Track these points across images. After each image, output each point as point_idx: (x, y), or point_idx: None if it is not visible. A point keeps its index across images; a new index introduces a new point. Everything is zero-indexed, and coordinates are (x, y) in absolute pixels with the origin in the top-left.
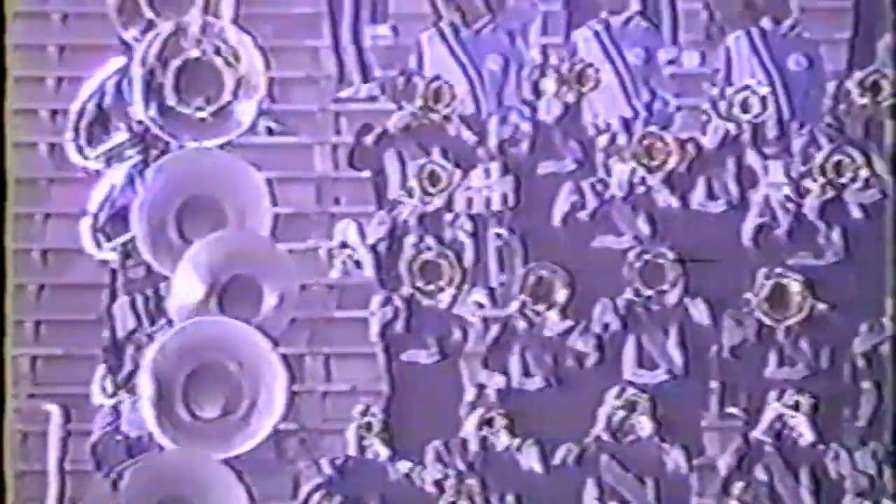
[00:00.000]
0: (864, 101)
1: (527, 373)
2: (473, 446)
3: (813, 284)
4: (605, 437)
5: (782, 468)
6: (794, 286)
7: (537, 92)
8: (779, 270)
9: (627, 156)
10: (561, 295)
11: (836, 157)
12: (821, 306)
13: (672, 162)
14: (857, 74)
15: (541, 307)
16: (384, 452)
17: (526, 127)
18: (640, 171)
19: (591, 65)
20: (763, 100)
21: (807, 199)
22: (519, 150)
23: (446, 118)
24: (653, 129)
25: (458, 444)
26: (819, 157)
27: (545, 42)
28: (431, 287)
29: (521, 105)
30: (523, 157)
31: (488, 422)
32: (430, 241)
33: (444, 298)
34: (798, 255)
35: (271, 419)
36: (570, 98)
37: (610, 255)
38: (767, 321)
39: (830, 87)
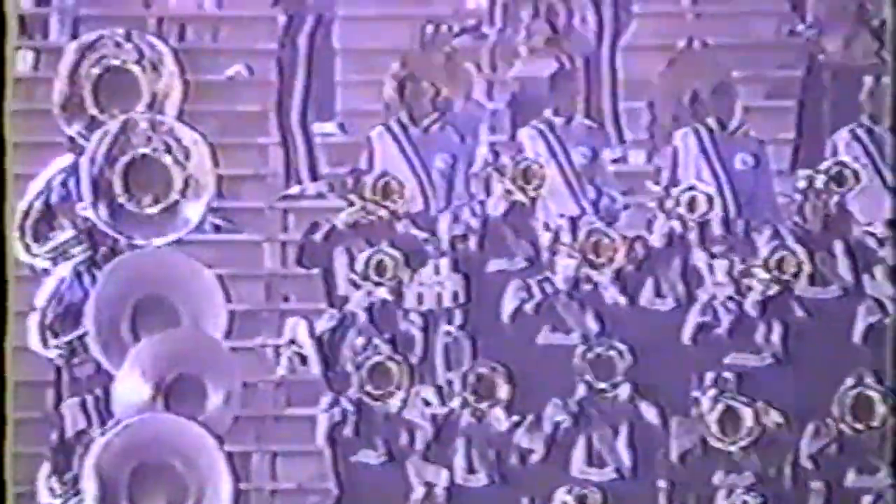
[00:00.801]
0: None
1: (471, 469)
2: None
3: (757, 407)
4: None
5: None
6: (746, 412)
7: (487, 189)
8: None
9: (574, 252)
10: (503, 391)
11: (778, 255)
12: (771, 421)
13: (618, 259)
14: (824, 165)
15: (484, 405)
16: None
17: (475, 224)
18: (586, 269)
19: (536, 162)
20: (709, 199)
21: (748, 297)
22: (468, 247)
23: (395, 214)
24: (598, 225)
25: None
26: (763, 253)
27: (493, 140)
28: (381, 391)
29: (471, 202)
30: (473, 254)
31: None
32: (379, 342)
33: (394, 402)
34: (735, 355)
35: None
36: (519, 196)
37: (558, 352)
38: (717, 444)
39: (799, 183)
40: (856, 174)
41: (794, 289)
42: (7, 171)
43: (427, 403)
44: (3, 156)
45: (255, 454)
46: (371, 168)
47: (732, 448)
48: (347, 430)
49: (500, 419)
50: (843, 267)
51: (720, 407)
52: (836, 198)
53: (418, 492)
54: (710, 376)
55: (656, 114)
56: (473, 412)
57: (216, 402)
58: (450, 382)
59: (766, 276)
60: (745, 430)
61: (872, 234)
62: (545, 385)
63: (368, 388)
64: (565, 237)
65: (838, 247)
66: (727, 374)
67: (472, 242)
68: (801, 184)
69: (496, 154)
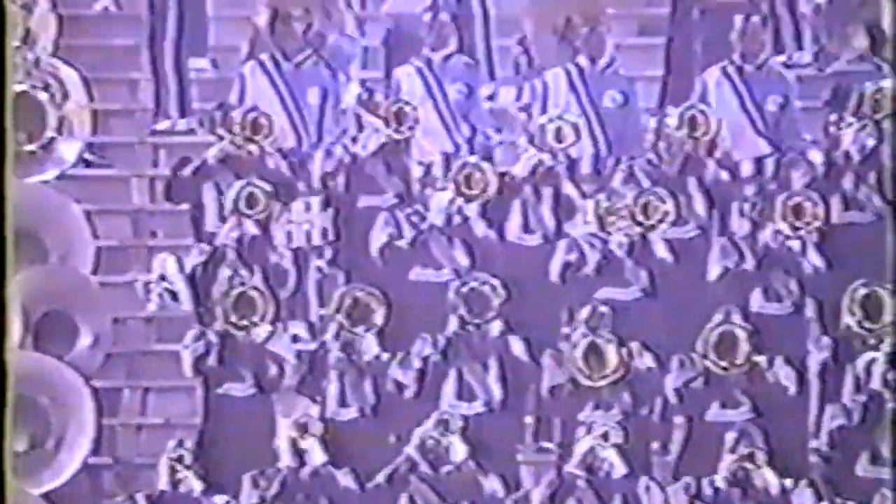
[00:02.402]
0: (682, 134)
1: (343, 402)
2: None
3: (624, 342)
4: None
5: (594, 502)
6: (610, 348)
7: (359, 126)
8: (590, 329)
9: (445, 185)
10: (379, 317)
11: (644, 199)
12: (637, 362)
13: (491, 192)
14: (675, 110)
15: (359, 329)
16: (199, 486)
17: (347, 160)
18: (459, 202)
19: (409, 103)
20: (576, 128)
21: (613, 237)
22: (338, 184)
23: (264, 150)
24: (472, 160)
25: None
26: (628, 198)
27: (365, 77)
28: (245, 322)
29: (342, 139)
30: (343, 191)
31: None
32: (245, 273)
33: (260, 333)
34: (604, 289)
35: (81, 453)
36: (392, 135)
37: (431, 287)
38: (584, 381)
39: (650, 122)
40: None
41: (655, 231)
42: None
43: (296, 339)
44: (3, 155)
45: (125, 390)
46: (242, 103)
47: (599, 384)
48: (213, 362)
49: (372, 348)
50: (700, 206)
51: (585, 343)
52: (691, 141)
53: (284, 425)
54: (580, 311)
55: (527, 51)
56: (344, 346)
57: (86, 341)
58: (322, 318)
59: (629, 222)
60: (610, 368)
61: (731, 171)
62: (418, 319)
63: (233, 318)
64: (438, 172)
65: (692, 185)
66: (601, 309)
67: (341, 179)
68: (652, 123)
69: (369, 91)
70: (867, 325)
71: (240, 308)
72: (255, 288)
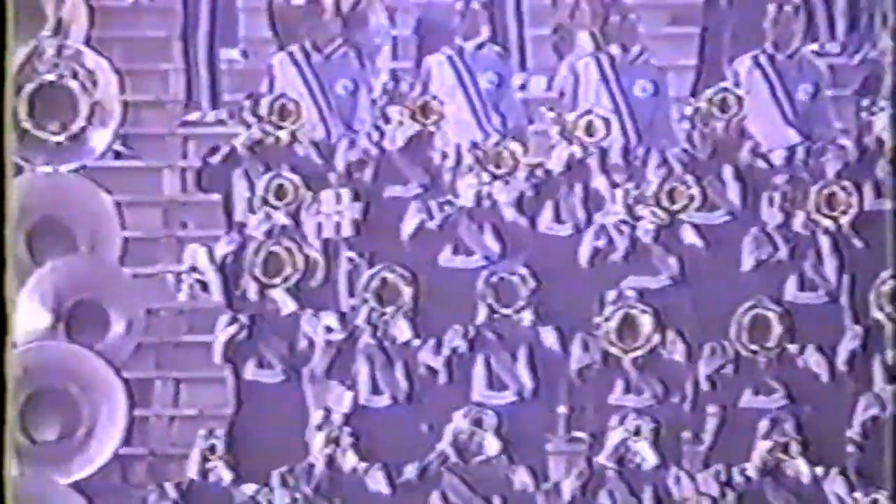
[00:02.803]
0: (713, 115)
1: (375, 389)
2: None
3: (659, 315)
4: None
5: (625, 493)
6: (645, 319)
7: (385, 118)
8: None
9: (477, 168)
10: (407, 295)
11: (669, 185)
12: (668, 335)
13: (520, 177)
14: (708, 92)
15: (388, 310)
16: (228, 477)
17: (374, 151)
18: (487, 188)
19: (435, 97)
20: (607, 123)
21: (641, 224)
22: (365, 175)
23: (294, 137)
24: (504, 152)
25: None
26: (654, 185)
27: (395, 66)
28: (275, 281)
29: (366, 131)
30: (370, 182)
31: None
32: (277, 247)
33: (289, 305)
34: (633, 277)
35: (112, 443)
36: (417, 128)
37: (459, 273)
38: (615, 352)
39: (682, 110)
40: (739, 100)
41: (683, 218)
42: (7, 171)
43: (330, 330)
44: (2, 154)
45: (157, 381)
46: (272, 93)
47: (631, 355)
48: (245, 348)
49: (403, 331)
50: (733, 192)
51: (619, 314)
52: (722, 123)
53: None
54: (610, 296)
55: (560, 41)
56: (375, 329)
57: (118, 330)
58: (353, 308)
59: (658, 209)
60: (643, 339)
61: (765, 159)
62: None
63: (263, 280)
64: (468, 160)
65: (727, 172)
66: (628, 293)
67: (368, 171)
68: (688, 111)
69: (395, 82)
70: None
71: (269, 276)
72: (288, 249)
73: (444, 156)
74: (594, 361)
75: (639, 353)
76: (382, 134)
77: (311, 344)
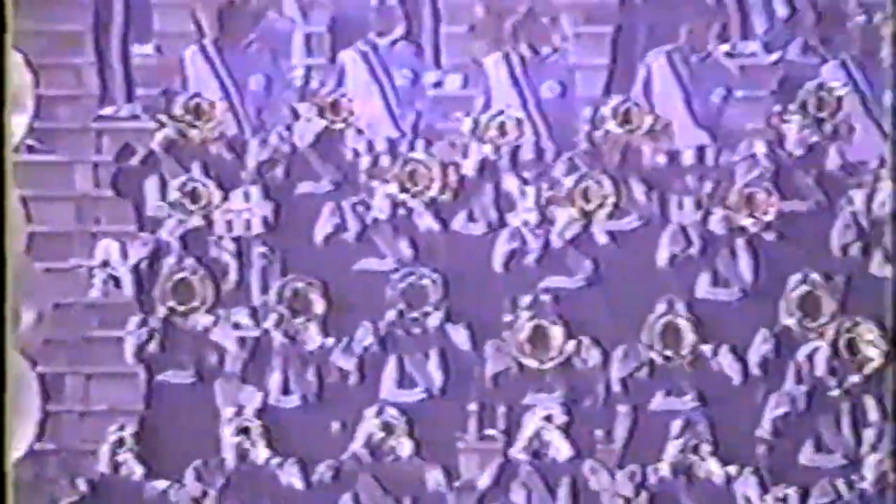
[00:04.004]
0: (618, 129)
1: (286, 390)
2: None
3: (569, 325)
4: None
5: (540, 486)
6: (556, 330)
7: (295, 115)
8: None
9: (390, 178)
10: (319, 307)
11: (584, 184)
12: (582, 340)
13: (435, 188)
14: (612, 101)
15: (299, 320)
16: (139, 470)
17: (285, 149)
18: (403, 196)
19: (344, 95)
20: (519, 123)
21: (555, 226)
22: (276, 173)
23: (206, 137)
24: (416, 155)
25: (218, 462)
26: (568, 183)
27: (310, 63)
28: (185, 307)
29: (278, 128)
30: (281, 180)
31: (245, 431)
32: (189, 261)
33: (203, 321)
34: (548, 278)
35: (26, 439)
36: (328, 125)
37: (372, 276)
38: (528, 362)
39: (587, 113)
40: (650, 106)
41: (595, 220)
42: (6, 170)
43: (238, 326)
44: (2, 153)
45: (68, 376)
46: (185, 89)
47: (544, 367)
48: (154, 349)
49: (314, 337)
50: (640, 195)
51: (531, 325)
52: (631, 125)
53: (227, 412)
54: (524, 300)
55: (475, 39)
56: (287, 332)
57: (27, 322)
58: (264, 304)
59: (570, 209)
60: (555, 350)
61: (675, 160)
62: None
63: (172, 304)
64: (384, 160)
65: (636, 174)
66: (543, 297)
67: (279, 168)
68: (587, 113)
69: (306, 79)
70: (806, 322)
71: (180, 300)
72: (194, 271)
73: (356, 153)
74: (509, 367)
75: (552, 363)
76: (290, 130)
77: (224, 350)
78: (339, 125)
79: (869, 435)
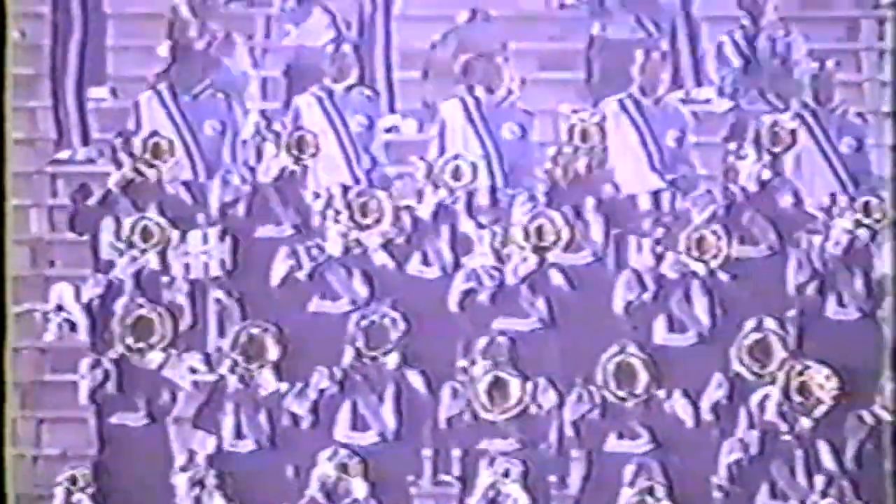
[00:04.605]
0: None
1: (239, 434)
2: None
3: (524, 369)
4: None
5: None
6: (514, 383)
7: (258, 156)
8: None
9: (343, 218)
10: (273, 353)
11: (538, 222)
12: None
13: (391, 232)
14: (571, 143)
15: (253, 366)
16: None
17: (246, 189)
18: (356, 234)
19: (310, 131)
20: (474, 167)
21: (508, 266)
22: (237, 213)
23: (163, 178)
24: (371, 199)
25: None
26: (523, 221)
27: (264, 107)
28: (142, 345)
29: (240, 168)
30: (242, 221)
31: (200, 483)
32: (143, 301)
33: (155, 358)
34: (501, 319)
35: None
36: (290, 164)
37: (327, 318)
38: (486, 416)
39: (546, 152)
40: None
41: (550, 257)
42: (7, 170)
43: (193, 371)
44: (2, 155)
45: (20, 420)
46: (138, 133)
47: (500, 418)
48: (109, 389)
49: (269, 382)
50: (598, 233)
51: (489, 378)
52: (585, 164)
53: (180, 458)
54: (479, 343)
55: (429, 84)
56: (242, 377)
57: None
58: (219, 349)
59: (524, 246)
60: (513, 400)
61: (630, 203)
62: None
63: (129, 342)
64: (338, 204)
65: (592, 214)
66: (498, 339)
67: (241, 209)
68: (551, 152)
69: (268, 120)
70: (756, 369)
71: (137, 336)
72: (152, 309)
73: (317, 195)
74: (463, 411)
75: (510, 413)
76: (253, 171)
77: (177, 388)
78: (307, 162)
79: (819, 481)
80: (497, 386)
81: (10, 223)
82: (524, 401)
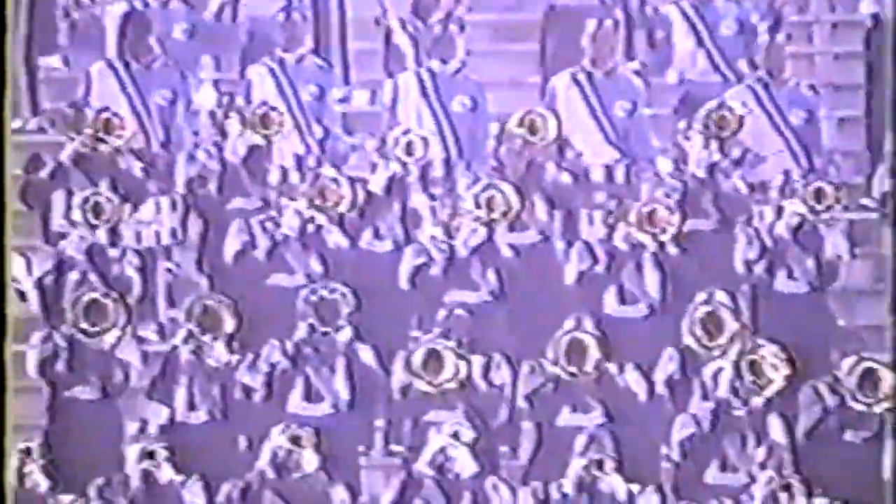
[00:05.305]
0: (522, 139)
1: (192, 406)
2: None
3: (476, 343)
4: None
5: (442, 501)
6: (448, 354)
7: (222, 132)
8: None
9: (299, 196)
10: (229, 325)
11: (487, 194)
12: (492, 357)
13: (344, 205)
14: (517, 114)
15: (207, 338)
16: (45, 483)
17: (214, 165)
18: (311, 212)
19: (274, 108)
20: (425, 141)
21: (458, 238)
22: (203, 189)
23: (116, 150)
24: (326, 170)
25: (122, 480)
26: (470, 194)
27: (217, 77)
28: (96, 328)
29: (205, 143)
30: (205, 194)
31: (150, 455)
32: (94, 278)
33: (108, 339)
34: (453, 293)
35: None
36: (257, 140)
37: (282, 293)
38: (425, 388)
39: (494, 128)
40: (544, 120)
41: (498, 236)
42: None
43: (141, 340)
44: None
45: None
46: (88, 103)
47: (439, 390)
48: (60, 366)
49: (220, 355)
50: (542, 210)
51: (438, 345)
52: (537, 140)
53: (132, 428)
54: (431, 317)
55: (383, 55)
56: (195, 348)
57: None
58: (172, 320)
59: (474, 218)
60: (450, 372)
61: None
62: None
63: (83, 324)
64: (294, 177)
65: (543, 188)
66: (449, 314)
67: (205, 184)
68: (494, 129)
69: (224, 94)
70: (706, 342)
71: (89, 312)
72: (104, 293)
73: (280, 168)
74: (413, 381)
75: (447, 385)
76: (219, 147)
77: (129, 367)
78: (274, 138)
79: (761, 452)
80: (442, 354)
81: None
82: (472, 369)
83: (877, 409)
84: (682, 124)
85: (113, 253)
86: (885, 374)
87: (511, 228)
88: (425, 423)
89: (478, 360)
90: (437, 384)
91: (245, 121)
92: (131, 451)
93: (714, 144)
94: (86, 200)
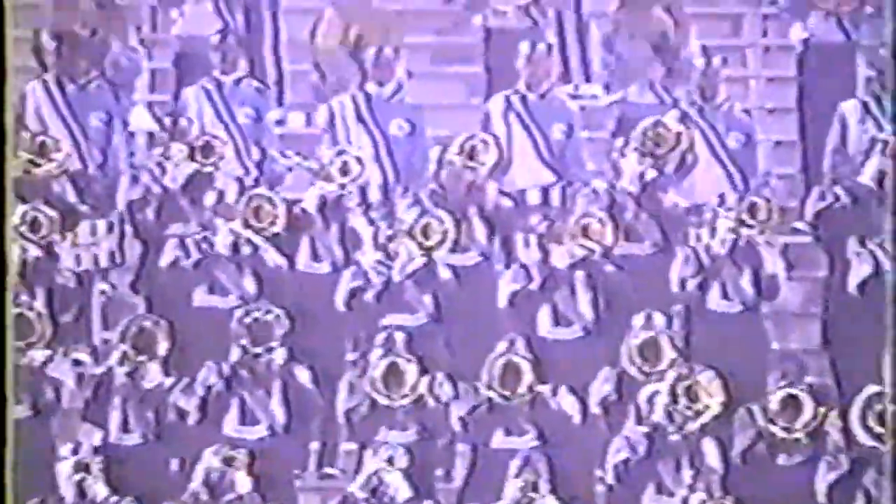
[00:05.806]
0: (462, 163)
1: (126, 428)
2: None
3: (424, 364)
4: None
5: None
6: (411, 368)
7: (165, 154)
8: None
9: (236, 216)
10: (162, 348)
11: (425, 220)
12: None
13: (279, 225)
14: (458, 139)
15: (142, 358)
16: None
17: (156, 189)
18: (247, 233)
19: (216, 137)
20: (360, 161)
21: (396, 262)
22: (143, 212)
23: (50, 173)
24: (261, 191)
25: (56, 500)
26: (409, 220)
27: (152, 99)
28: (22, 344)
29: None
30: (145, 217)
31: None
32: (25, 297)
33: (38, 356)
34: (390, 315)
35: None
36: (199, 168)
37: (215, 314)
38: (381, 399)
39: (433, 152)
40: (485, 145)
41: (436, 258)
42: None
43: (77, 363)
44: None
45: None
46: (23, 123)
47: (397, 404)
48: None
49: (155, 377)
50: (481, 233)
51: (384, 363)
52: (474, 166)
53: (65, 449)
54: (370, 338)
55: (322, 76)
56: (130, 371)
57: None
58: (106, 341)
59: (411, 244)
60: (409, 387)
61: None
62: (203, 346)
63: (17, 344)
64: (231, 197)
65: (478, 212)
66: (396, 334)
67: (145, 207)
68: (434, 153)
69: (174, 119)
70: (646, 368)
71: (19, 331)
72: (35, 311)
73: (216, 190)
74: (361, 404)
75: (406, 401)
76: (163, 169)
77: (61, 385)
78: (211, 168)
79: (687, 476)
80: (393, 371)
81: None
82: (420, 387)
83: (798, 436)
84: (619, 142)
85: (49, 270)
86: (807, 401)
87: (452, 250)
88: (361, 446)
89: (425, 381)
90: (395, 399)
91: (189, 149)
92: (64, 468)
93: (649, 163)
94: (23, 217)
